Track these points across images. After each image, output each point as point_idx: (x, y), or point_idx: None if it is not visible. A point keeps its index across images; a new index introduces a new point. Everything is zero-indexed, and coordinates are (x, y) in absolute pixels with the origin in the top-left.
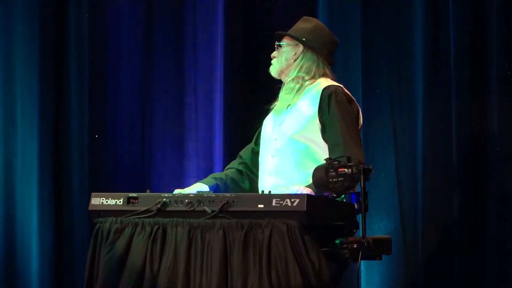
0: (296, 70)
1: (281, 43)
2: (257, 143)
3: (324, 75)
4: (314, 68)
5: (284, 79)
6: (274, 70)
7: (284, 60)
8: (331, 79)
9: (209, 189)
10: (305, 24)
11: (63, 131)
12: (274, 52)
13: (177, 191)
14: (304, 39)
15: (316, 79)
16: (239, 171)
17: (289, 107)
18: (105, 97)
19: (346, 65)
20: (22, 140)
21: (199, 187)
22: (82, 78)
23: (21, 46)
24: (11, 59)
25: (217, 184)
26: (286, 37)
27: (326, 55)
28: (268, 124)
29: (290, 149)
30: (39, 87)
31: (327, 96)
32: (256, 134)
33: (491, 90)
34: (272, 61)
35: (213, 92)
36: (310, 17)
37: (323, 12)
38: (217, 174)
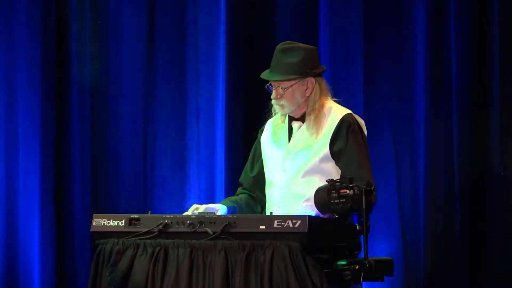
0: (312, 103)
1: (282, 85)
2: (254, 168)
3: (327, 94)
4: (323, 93)
5: (297, 114)
6: (284, 111)
7: (299, 98)
8: (331, 97)
9: (227, 210)
10: (291, 53)
11: (65, 152)
12: (276, 95)
13: (193, 207)
14: (308, 70)
15: (325, 103)
16: (250, 196)
17: (299, 140)
18: (107, 118)
19: (348, 87)
20: (24, 162)
21: (216, 206)
22: (84, 99)
23: (23, 68)
24: (13, 81)
25: (234, 207)
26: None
27: (321, 71)
28: (277, 157)
29: (302, 185)
30: (41, 109)
31: (345, 127)
32: (252, 157)
33: (493, 111)
34: (278, 104)
35: (215, 113)
36: (288, 42)
37: (325, 38)
38: (232, 198)
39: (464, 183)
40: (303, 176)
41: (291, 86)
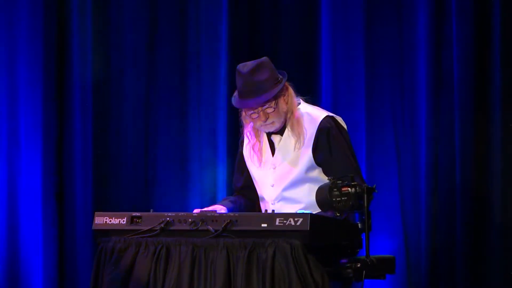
0: (290, 113)
1: (268, 104)
2: (242, 178)
3: (296, 97)
4: (294, 98)
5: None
6: (275, 127)
7: (284, 109)
8: (300, 98)
9: (227, 210)
10: (259, 71)
11: (67, 151)
12: (263, 117)
13: (196, 212)
14: (279, 79)
15: (299, 108)
16: (249, 199)
17: (281, 149)
18: (108, 116)
19: (349, 84)
20: (26, 160)
21: (218, 208)
22: (85, 97)
23: (24, 66)
24: (14, 79)
25: (233, 206)
26: (266, 99)
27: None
28: (263, 174)
29: (292, 195)
30: (42, 107)
31: (324, 135)
32: (237, 169)
33: (495, 109)
34: (268, 124)
35: (216, 110)
36: (244, 64)
37: (326, 39)
38: (232, 198)
39: (465, 180)
40: (292, 187)
41: (276, 101)
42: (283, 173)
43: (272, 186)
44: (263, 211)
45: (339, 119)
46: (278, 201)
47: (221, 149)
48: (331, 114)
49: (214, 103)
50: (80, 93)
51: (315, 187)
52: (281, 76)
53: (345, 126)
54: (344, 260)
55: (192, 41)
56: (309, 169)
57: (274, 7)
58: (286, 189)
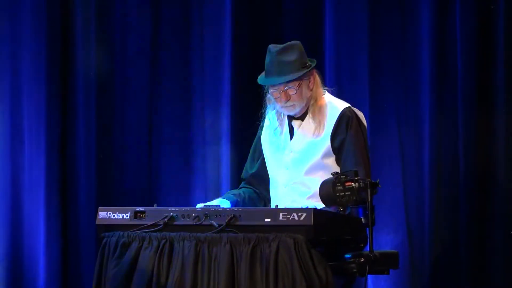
0: (313, 99)
1: (290, 84)
2: (254, 165)
3: (323, 87)
4: (321, 86)
5: (298, 112)
6: (295, 111)
7: (306, 94)
8: (326, 88)
9: (230, 204)
10: (288, 52)
11: (70, 146)
12: (285, 98)
13: (199, 206)
14: (307, 64)
15: (324, 97)
16: (254, 191)
17: (302, 134)
18: (112, 111)
19: (354, 79)
20: (29, 155)
21: (221, 202)
22: (89, 92)
23: (28, 63)
24: (18, 75)
25: (236, 200)
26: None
27: (315, 63)
28: (279, 156)
29: (305, 181)
30: (46, 103)
31: (344, 122)
32: (252, 154)
33: (499, 105)
34: (288, 105)
35: (220, 105)
36: (276, 45)
37: (330, 33)
38: (235, 191)
39: (469, 176)
40: (306, 173)
41: (299, 84)
42: (299, 157)
43: (287, 169)
44: (272, 196)
45: (361, 114)
46: (292, 185)
47: (224, 144)
48: (354, 108)
49: (218, 99)
50: (83, 89)
51: (327, 176)
52: (309, 63)
53: (365, 123)
54: (347, 255)
55: (196, 37)
56: (325, 155)
57: (277, 5)
58: (300, 173)
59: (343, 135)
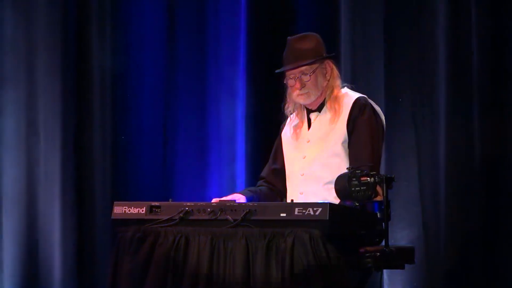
0: (330, 90)
1: (305, 71)
2: (276, 161)
3: (340, 79)
4: (338, 78)
5: (315, 104)
6: (310, 99)
7: (321, 82)
8: (346, 84)
9: (246, 199)
10: (305, 40)
11: (86, 140)
12: (299, 85)
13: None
14: (324, 54)
15: (340, 89)
16: (270, 189)
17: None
18: (127, 106)
19: (368, 75)
20: (44, 150)
21: (237, 197)
22: (104, 87)
23: (43, 57)
24: (33, 70)
25: (252, 196)
26: (303, 65)
27: (333, 55)
28: (297, 146)
29: (321, 168)
30: (61, 97)
31: (357, 108)
32: (274, 151)
33: None
34: (303, 93)
35: (235, 100)
36: (295, 36)
37: (345, 26)
38: (252, 188)
39: (485, 171)
40: (323, 160)
41: (313, 71)
42: (316, 145)
43: (304, 158)
44: (288, 186)
45: (378, 108)
46: (308, 172)
47: (239, 140)
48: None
49: (233, 95)
50: (99, 83)
51: (344, 165)
52: (326, 54)
53: (382, 117)
54: (363, 250)
55: (212, 31)
56: (342, 142)
57: None
58: (316, 161)
59: (355, 121)
